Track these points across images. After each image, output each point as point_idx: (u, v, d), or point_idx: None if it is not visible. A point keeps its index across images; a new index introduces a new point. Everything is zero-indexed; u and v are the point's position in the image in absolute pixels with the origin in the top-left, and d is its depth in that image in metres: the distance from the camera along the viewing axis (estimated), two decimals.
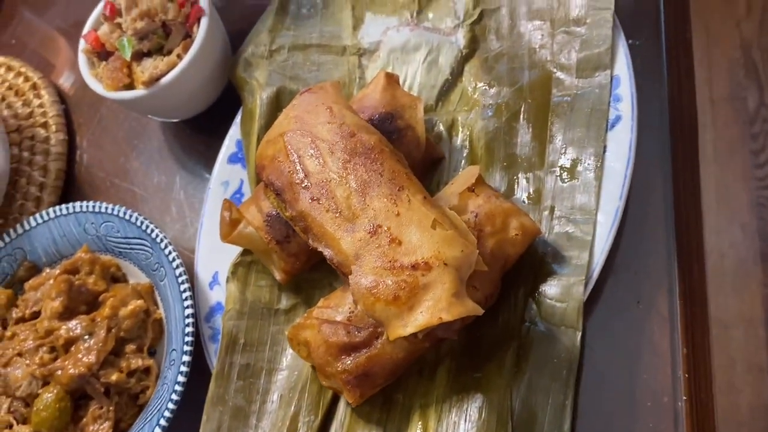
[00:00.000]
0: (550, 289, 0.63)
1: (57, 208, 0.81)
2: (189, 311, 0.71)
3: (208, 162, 0.87)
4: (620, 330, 0.64)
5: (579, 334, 0.61)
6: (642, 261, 0.66)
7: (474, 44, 0.77)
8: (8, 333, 0.74)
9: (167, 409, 0.67)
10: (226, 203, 0.71)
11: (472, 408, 0.61)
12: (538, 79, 0.73)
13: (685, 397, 0.62)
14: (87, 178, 0.92)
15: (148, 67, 0.77)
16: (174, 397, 0.67)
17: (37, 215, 0.81)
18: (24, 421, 0.71)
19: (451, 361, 0.65)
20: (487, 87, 0.75)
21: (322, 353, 0.62)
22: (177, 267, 0.73)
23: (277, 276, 0.71)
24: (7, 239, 0.81)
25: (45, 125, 0.94)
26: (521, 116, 0.72)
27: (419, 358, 0.64)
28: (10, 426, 0.70)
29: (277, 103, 0.79)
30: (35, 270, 0.81)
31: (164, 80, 0.77)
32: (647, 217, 0.68)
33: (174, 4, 0.79)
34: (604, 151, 0.67)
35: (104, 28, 0.81)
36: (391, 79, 0.71)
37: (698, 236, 0.63)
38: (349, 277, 0.55)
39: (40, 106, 0.95)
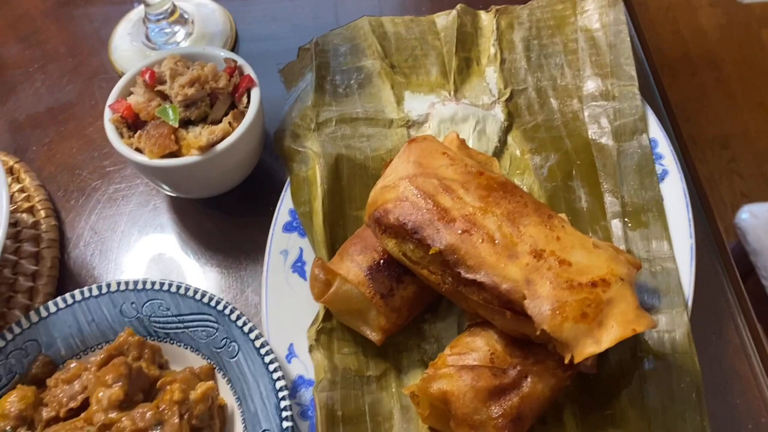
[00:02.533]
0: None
1: (85, 289, 0.69)
2: (281, 383, 0.63)
3: (235, 241, 0.82)
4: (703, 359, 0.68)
5: (696, 358, 0.64)
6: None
7: (511, 118, 0.84)
8: None
9: None
10: (318, 261, 0.67)
11: None
12: (579, 145, 0.80)
13: None
14: (86, 269, 0.81)
15: (202, 134, 0.73)
16: None
17: (58, 300, 0.69)
18: None
19: (572, 405, 0.64)
20: (532, 154, 0.81)
21: (469, 400, 0.58)
22: (256, 338, 0.66)
23: (373, 336, 0.66)
24: (17, 330, 0.68)
25: (31, 210, 0.82)
26: (573, 176, 0.78)
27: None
28: None
29: (337, 170, 0.77)
30: (52, 366, 0.68)
31: (221, 146, 0.73)
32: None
33: (224, 73, 0.77)
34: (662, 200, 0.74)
35: (137, 97, 0.76)
36: (463, 141, 0.74)
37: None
38: (526, 302, 0.54)
39: (22, 190, 0.84)
